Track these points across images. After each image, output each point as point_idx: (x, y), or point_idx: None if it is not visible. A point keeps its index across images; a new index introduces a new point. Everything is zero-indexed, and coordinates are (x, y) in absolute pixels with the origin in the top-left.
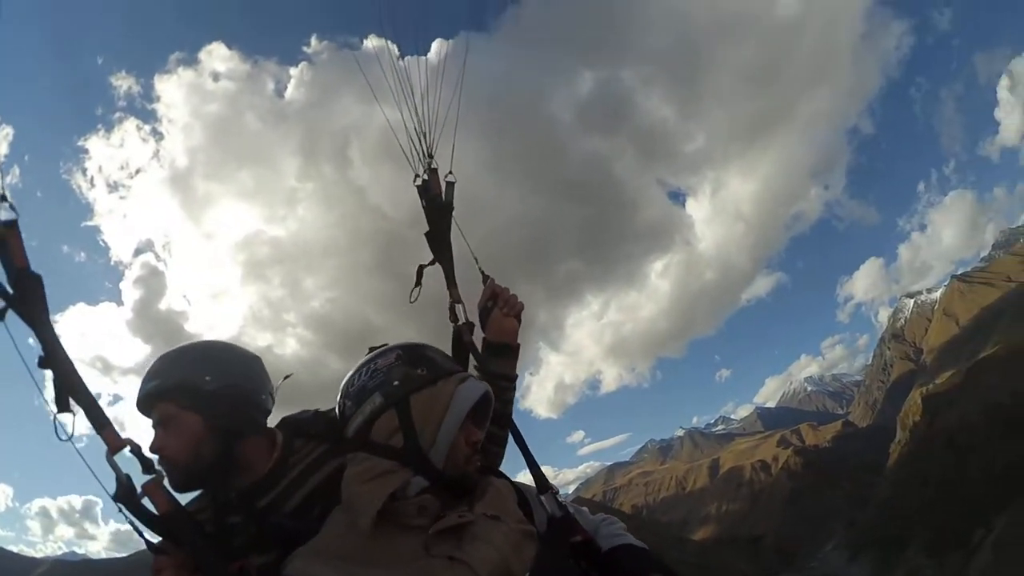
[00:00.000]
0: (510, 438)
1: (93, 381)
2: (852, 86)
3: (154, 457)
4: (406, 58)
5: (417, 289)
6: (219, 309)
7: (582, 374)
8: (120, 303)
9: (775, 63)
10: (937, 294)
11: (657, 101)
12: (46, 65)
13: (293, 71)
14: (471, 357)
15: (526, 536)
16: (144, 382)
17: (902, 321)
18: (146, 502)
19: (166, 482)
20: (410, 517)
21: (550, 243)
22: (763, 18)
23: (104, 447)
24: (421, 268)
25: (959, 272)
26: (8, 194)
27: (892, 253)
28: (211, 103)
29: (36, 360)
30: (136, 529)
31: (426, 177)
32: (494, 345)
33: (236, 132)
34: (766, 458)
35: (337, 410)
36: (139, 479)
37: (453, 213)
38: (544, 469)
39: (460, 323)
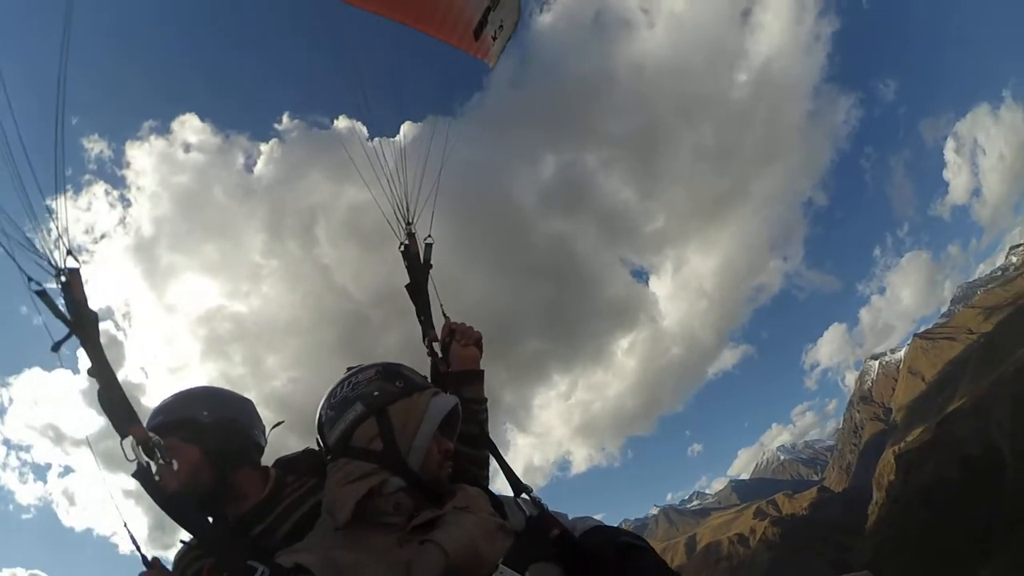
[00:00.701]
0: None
1: (44, 450)
2: (804, 161)
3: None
4: (379, 139)
5: (428, 342)
6: (177, 383)
7: (551, 455)
8: (76, 371)
9: (730, 143)
10: (901, 353)
11: (618, 182)
12: (17, 117)
13: (263, 147)
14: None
15: (498, 527)
16: (150, 419)
17: (869, 383)
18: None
19: (175, 468)
20: (386, 514)
21: (515, 323)
22: (717, 101)
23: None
24: (423, 324)
25: (921, 330)
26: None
27: (854, 318)
28: (181, 174)
29: (86, 369)
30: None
31: (407, 242)
32: (459, 374)
33: (203, 204)
34: (743, 531)
35: (316, 420)
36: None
37: (431, 269)
38: None
39: (437, 357)
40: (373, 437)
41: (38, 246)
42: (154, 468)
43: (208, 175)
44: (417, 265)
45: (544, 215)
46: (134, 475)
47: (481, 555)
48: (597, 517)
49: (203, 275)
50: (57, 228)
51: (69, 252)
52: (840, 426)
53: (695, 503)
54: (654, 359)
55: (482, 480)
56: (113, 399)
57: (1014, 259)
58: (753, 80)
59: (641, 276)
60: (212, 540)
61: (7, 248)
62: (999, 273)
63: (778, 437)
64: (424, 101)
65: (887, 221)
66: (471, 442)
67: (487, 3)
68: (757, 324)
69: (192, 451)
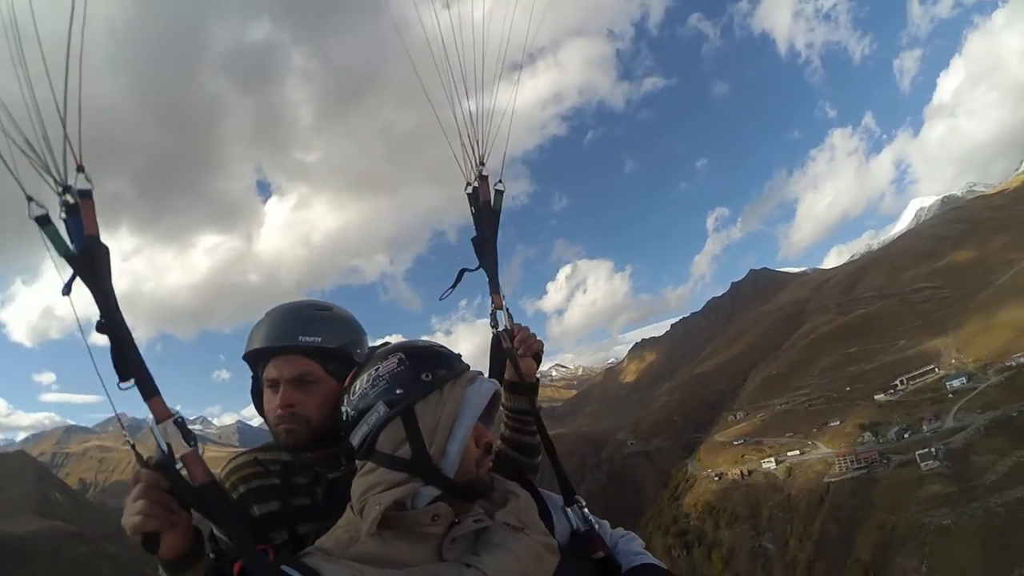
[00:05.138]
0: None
1: None
2: (461, 201)
3: (278, 410)
4: (464, 66)
5: (451, 290)
6: None
7: (79, 310)
8: None
9: (418, 143)
10: None
11: (304, 95)
12: None
13: None
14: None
15: (547, 549)
16: (295, 331)
17: None
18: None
19: (201, 452)
20: (424, 525)
21: (111, 149)
22: (437, 106)
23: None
24: (462, 272)
25: None
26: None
27: (413, 338)
28: None
29: (95, 325)
30: (171, 492)
31: (476, 184)
32: (513, 384)
33: None
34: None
35: (343, 415)
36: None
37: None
38: None
39: (500, 330)
40: (400, 442)
41: (39, 154)
42: (176, 453)
43: None
44: (487, 214)
45: (219, 72)
46: (155, 465)
47: None
48: (96, 399)
49: None
50: (65, 131)
51: (80, 168)
52: None
53: (197, 427)
54: (229, 273)
55: (529, 471)
56: (128, 362)
57: (555, 373)
58: (477, 115)
59: (265, 191)
60: (244, 540)
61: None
62: (539, 376)
63: None
64: None
65: (485, 287)
66: (525, 451)
67: None
68: (335, 297)
69: (334, 386)
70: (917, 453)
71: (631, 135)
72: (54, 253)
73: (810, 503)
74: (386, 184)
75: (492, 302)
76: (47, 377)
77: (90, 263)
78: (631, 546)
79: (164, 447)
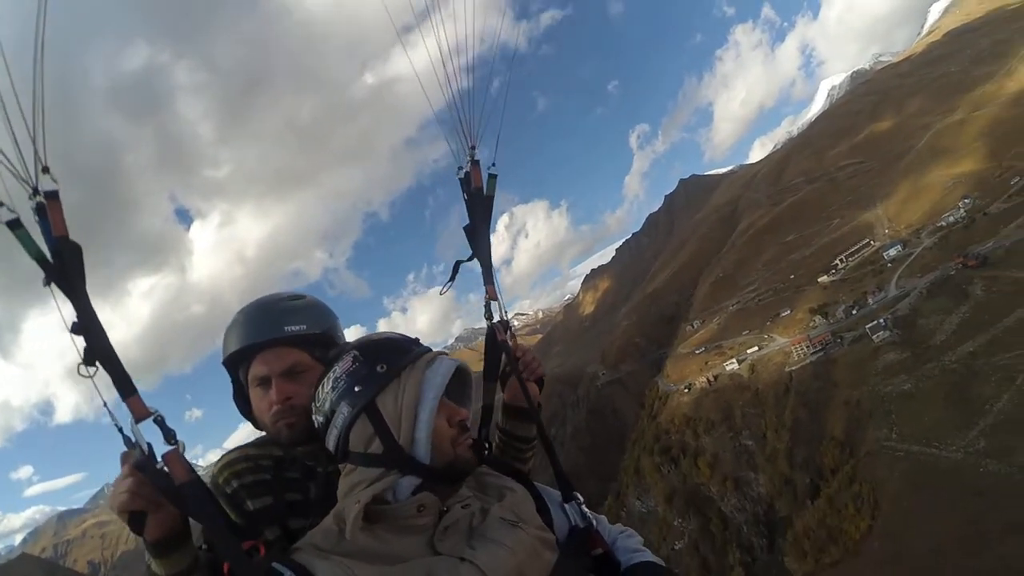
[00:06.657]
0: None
1: None
2: (384, 177)
3: (275, 406)
4: (452, 48)
5: (450, 284)
6: None
7: (34, 396)
8: None
9: (324, 130)
10: None
11: (200, 112)
12: None
13: None
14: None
15: (544, 544)
16: (278, 322)
17: None
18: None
19: (184, 452)
20: (411, 518)
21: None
22: (333, 86)
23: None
24: (458, 264)
25: None
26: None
27: (372, 325)
28: None
29: (70, 325)
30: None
31: (468, 169)
32: (513, 408)
33: None
34: None
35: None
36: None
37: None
38: None
39: (495, 321)
40: (370, 438)
41: (10, 158)
42: (158, 452)
43: None
44: (479, 200)
45: (105, 108)
46: (135, 465)
47: None
48: (78, 477)
49: None
50: (31, 134)
51: (45, 169)
52: None
53: None
54: (172, 312)
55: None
56: (104, 362)
57: (516, 323)
58: (376, 87)
59: (185, 218)
60: (228, 540)
61: None
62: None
63: None
64: None
65: (428, 255)
66: (514, 477)
67: None
68: None
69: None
70: (867, 327)
71: (537, 72)
72: (27, 257)
73: (777, 395)
74: (305, 178)
75: (486, 292)
76: (25, 471)
77: (61, 264)
78: (629, 543)
79: (144, 447)
